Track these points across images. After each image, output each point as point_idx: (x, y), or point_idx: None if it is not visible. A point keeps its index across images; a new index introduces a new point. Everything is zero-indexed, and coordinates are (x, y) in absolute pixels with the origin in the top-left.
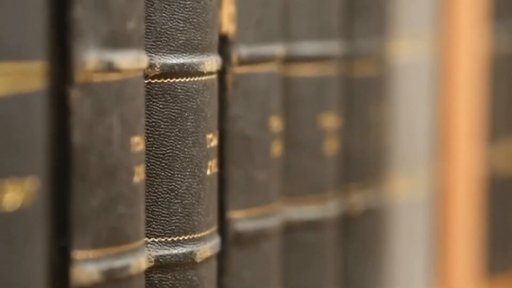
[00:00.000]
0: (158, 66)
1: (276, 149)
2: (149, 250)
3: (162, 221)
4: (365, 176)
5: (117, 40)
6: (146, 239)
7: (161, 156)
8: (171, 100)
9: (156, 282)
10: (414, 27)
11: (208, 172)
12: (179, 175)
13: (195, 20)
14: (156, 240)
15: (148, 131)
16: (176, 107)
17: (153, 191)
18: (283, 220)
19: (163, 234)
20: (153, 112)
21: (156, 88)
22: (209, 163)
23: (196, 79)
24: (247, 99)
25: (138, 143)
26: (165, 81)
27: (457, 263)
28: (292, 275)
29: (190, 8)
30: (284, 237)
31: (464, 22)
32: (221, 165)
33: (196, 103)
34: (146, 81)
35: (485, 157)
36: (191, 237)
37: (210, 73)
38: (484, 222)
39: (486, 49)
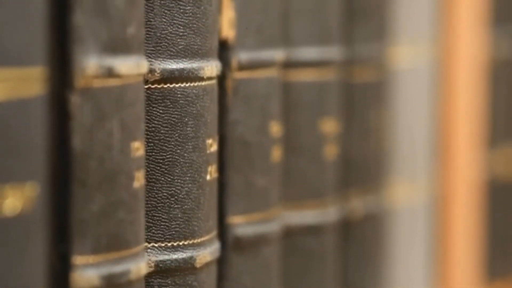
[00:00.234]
0: (158, 71)
1: (276, 154)
2: (149, 255)
3: (162, 226)
4: (365, 181)
5: (117, 46)
6: (146, 244)
7: (161, 161)
8: (171, 105)
9: (156, 287)
10: (414, 32)
11: (208, 177)
12: (179, 180)
13: (195, 25)
14: (156, 245)
15: (148, 136)
16: (176, 112)
17: (153, 196)
18: (283, 225)
19: (163, 239)
20: (153, 117)
21: (156, 93)
22: (209, 168)
23: (196, 84)
24: (247, 104)
25: (138, 148)
26: (165, 86)
27: (457, 268)
28: (292, 280)
29: (190, 14)
30: (284, 242)
31: (463, 27)
32: (221, 170)
33: (196, 108)
34: (146, 87)
35: (485, 162)
36: (191, 242)
37: (210, 78)
38: (484, 226)
39: (486, 54)
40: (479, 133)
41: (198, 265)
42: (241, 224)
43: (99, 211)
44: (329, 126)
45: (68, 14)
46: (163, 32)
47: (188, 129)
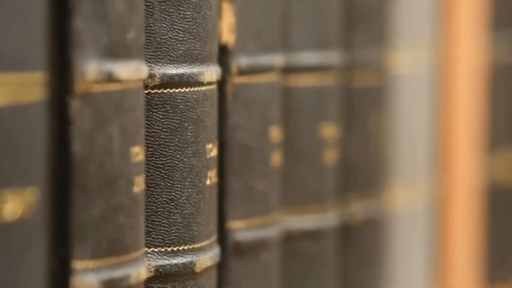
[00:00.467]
0: (158, 76)
1: (276, 158)
2: (149, 260)
3: (162, 231)
4: (364, 185)
5: (117, 51)
6: (146, 249)
7: (161, 166)
8: (171, 110)
9: None
10: (413, 37)
11: (208, 182)
12: (178, 185)
13: (195, 30)
14: (156, 250)
15: (148, 141)
16: (176, 117)
17: (153, 201)
18: (282, 229)
19: (162, 244)
20: (153, 122)
21: (156, 98)
22: (209, 173)
23: (195, 89)
24: (247, 109)
25: (138, 153)
26: (165, 91)
27: (457, 273)
28: (292, 284)
29: (190, 19)
30: (283, 247)
31: (463, 32)
32: (221, 175)
33: (196, 113)
34: (146, 91)
35: (485, 166)
36: (190, 247)
37: (209, 83)
38: (484, 231)
39: (486, 59)
40: (479, 137)
41: (198, 270)
42: (241, 229)
43: (99, 215)
44: (329, 130)
45: (68, 19)
46: (163, 37)
47: (188, 134)
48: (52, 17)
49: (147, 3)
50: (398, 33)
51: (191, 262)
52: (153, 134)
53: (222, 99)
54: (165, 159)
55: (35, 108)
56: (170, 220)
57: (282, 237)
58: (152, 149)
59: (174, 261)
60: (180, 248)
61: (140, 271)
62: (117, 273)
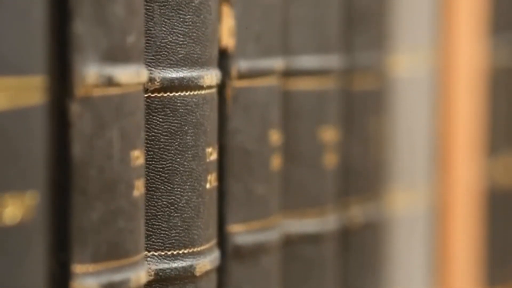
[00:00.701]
0: (158, 80)
1: (276, 162)
2: (148, 264)
3: (162, 235)
4: (364, 189)
5: (117, 55)
6: (146, 252)
7: (161, 170)
8: (171, 114)
9: None
10: (413, 40)
11: (208, 186)
12: (178, 189)
13: (194, 34)
14: (156, 253)
15: (148, 145)
16: (175, 121)
17: (152, 204)
18: (282, 233)
19: (162, 247)
20: (153, 126)
21: (155, 102)
22: (209, 177)
23: (195, 93)
24: (247, 112)
25: (138, 157)
26: (165, 95)
27: (456, 276)
28: None
29: (190, 23)
30: (283, 251)
31: (463, 35)
32: (221, 178)
33: (195, 117)
34: (146, 95)
35: (485, 170)
36: (190, 250)
37: (209, 87)
38: (484, 235)
39: (485, 62)
40: (478, 141)
41: (198, 274)
42: (241, 233)
43: (99, 219)
44: (329, 134)
45: (68, 23)
46: (163, 41)
47: (188, 137)
48: (52, 21)
49: (147, 7)
50: (398, 37)
51: (191, 266)
52: (153, 137)
53: (222, 103)
54: (165, 162)
55: (35, 112)
56: (170, 223)
57: (282, 240)
58: (152, 153)
59: (174, 264)
60: (180, 252)
61: (140, 275)
62: (117, 277)
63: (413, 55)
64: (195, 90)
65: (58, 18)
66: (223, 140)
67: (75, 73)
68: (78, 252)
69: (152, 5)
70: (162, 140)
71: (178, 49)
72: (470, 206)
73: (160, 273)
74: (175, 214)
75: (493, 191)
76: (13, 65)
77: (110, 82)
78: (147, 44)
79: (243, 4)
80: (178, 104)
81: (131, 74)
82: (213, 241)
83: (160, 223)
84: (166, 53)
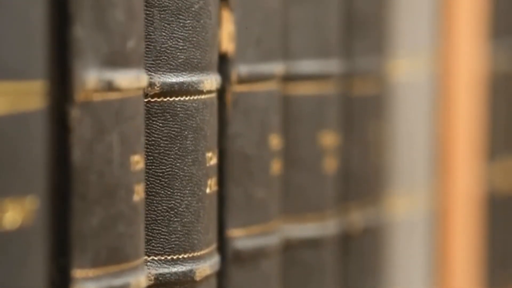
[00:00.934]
0: (158, 84)
1: (276, 167)
2: (148, 269)
3: (162, 240)
4: (364, 194)
5: (117, 59)
6: (146, 257)
7: (161, 174)
8: (171, 119)
9: None
10: (413, 45)
11: (208, 191)
12: (178, 194)
13: (194, 39)
14: (156, 258)
15: (148, 150)
16: (175, 126)
17: (152, 209)
18: (282, 238)
19: (162, 252)
20: (153, 131)
21: (155, 107)
22: (209, 182)
23: (195, 97)
24: (247, 117)
25: (138, 161)
26: (165, 99)
27: (456, 281)
28: None
29: (190, 27)
30: (283, 255)
31: (463, 40)
32: (221, 183)
33: (195, 122)
34: (145, 100)
35: (484, 175)
36: (190, 255)
37: (209, 91)
38: (483, 240)
39: (485, 67)
40: (478, 146)
41: (197, 278)
42: (241, 237)
43: (99, 224)
44: (329, 139)
45: (68, 27)
46: (163, 45)
47: (188, 142)
48: (52, 26)
49: (147, 12)
50: (398, 42)
51: (191, 271)
52: (153, 142)
53: (222, 107)
54: (165, 167)
55: (35, 117)
56: (170, 228)
57: (282, 245)
58: (152, 157)
59: (174, 269)
60: (180, 257)
61: (140, 280)
62: (117, 282)
63: (413, 60)
64: (195, 95)
65: (58, 23)
66: (223, 145)
67: (75, 77)
68: (78, 257)
69: (152, 10)
70: (162, 144)
71: (178, 54)
72: (469, 210)
73: (160, 278)
74: (175, 219)
75: (493, 195)
76: (13, 70)
77: (110, 86)
78: (147, 49)
79: (243, 9)
80: (178, 108)
81: (131, 79)
82: (213, 246)
83: (160, 228)
84: (166, 58)
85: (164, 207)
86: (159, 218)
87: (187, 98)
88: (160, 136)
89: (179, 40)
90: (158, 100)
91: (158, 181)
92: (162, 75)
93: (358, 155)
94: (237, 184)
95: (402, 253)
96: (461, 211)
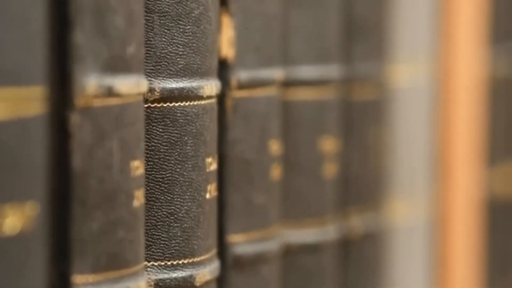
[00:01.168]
0: (158, 90)
1: (276, 172)
2: (148, 274)
3: (162, 245)
4: (364, 199)
5: (117, 65)
6: (146, 263)
7: (161, 180)
8: (171, 124)
9: None
10: (412, 50)
11: (208, 196)
12: (178, 199)
13: (194, 44)
14: (156, 264)
15: (148, 155)
16: (175, 131)
17: (152, 215)
18: (282, 243)
19: (162, 258)
20: (153, 136)
21: (155, 112)
22: (209, 187)
23: (195, 103)
24: (247, 123)
25: (137, 167)
26: (165, 105)
27: (457, 286)
28: None
29: (190, 33)
30: (283, 261)
31: (462, 45)
32: (221, 188)
33: (195, 127)
34: (145, 105)
35: (484, 180)
36: (190, 261)
37: (209, 97)
38: (484, 245)
39: (485, 72)
40: (478, 151)
41: (197, 284)
42: (241, 243)
43: (99, 230)
44: (329, 144)
45: (68, 33)
46: (163, 51)
47: (188, 148)
48: (52, 31)
49: (147, 18)
50: (397, 47)
51: (190, 276)
52: (152, 148)
53: (222, 113)
54: (164, 173)
55: (35, 122)
56: (170, 234)
57: (282, 250)
58: (152, 163)
59: (174, 275)
60: (180, 262)
61: (140, 285)
62: (117, 287)
63: (412, 65)
64: (195, 100)
65: (58, 29)
66: (223, 150)
67: (75, 83)
68: (78, 263)
69: (152, 15)
70: (162, 150)
71: (178, 59)
72: (469, 215)
73: (160, 283)
74: (175, 224)
75: (493, 201)
76: (13, 76)
77: (110, 92)
78: (147, 55)
79: (243, 14)
80: (178, 114)
81: (131, 85)
82: (213, 251)
83: (160, 233)
84: (166, 63)
85: (164, 213)
86: (159, 223)
87: (187, 104)
88: (160, 141)
89: (179, 45)
90: (158, 105)
91: (158, 186)
92: (162, 80)
93: (358, 160)
94: (237, 190)
95: (402, 258)
96: (461, 216)
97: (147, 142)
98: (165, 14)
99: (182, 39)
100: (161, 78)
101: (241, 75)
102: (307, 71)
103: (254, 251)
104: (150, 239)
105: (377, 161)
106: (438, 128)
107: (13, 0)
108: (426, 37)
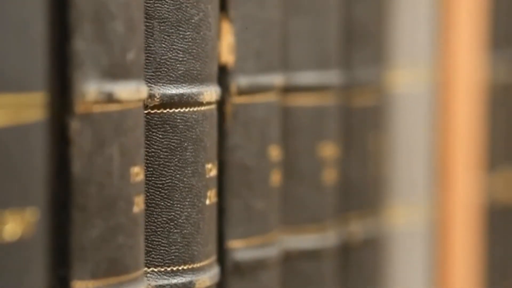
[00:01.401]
0: (158, 96)
1: (275, 178)
2: (148, 280)
3: (162, 251)
4: (364, 205)
5: (117, 71)
6: (146, 269)
7: (161, 186)
8: (171, 130)
9: None
10: (412, 56)
11: (207, 202)
12: (178, 205)
13: (194, 50)
14: (156, 270)
15: (148, 161)
16: (175, 137)
17: (152, 221)
18: (282, 249)
19: (162, 264)
20: (153, 142)
21: (155, 119)
22: (208, 193)
23: (195, 109)
24: (246, 128)
25: (137, 173)
26: (165, 111)
27: None
28: None
29: (190, 39)
30: (283, 267)
31: (462, 51)
32: (221, 194)
33: (195, 133)
34: (145, 112)
35: (484, 185)
36: (190, 267)
37: (209, 103)
38: (483, 250)
39: (484, 78)
40: (478, 157)
41: None
42: (241, 249)
43: (99, 236)
44: (328, 150)
45: (68, 39)
46: (162, 57)
47: (188, 154)
48: (52, 38)
49: (147, 24)
50: (397, 53)
51: (190, 282)
52: (152, 154)
53: (222, 119)
54: (164, 179)
55: (35, 129)
56: (170, 240)
57: (282, 256)
58: (151, 169)
59: (174, 280)
60: (180, 268)
61: None
62: None
63: (412, 71)
64: (194, 107)
65: (58, 35)
66: (222, 156)
67: (75, 89)
68: (78, 269)
69: (152, 22)
70: (161, 156)
71: (178, 65)
72: (469, 221)
73: None
74: (175, 230)
75: (493, 206)
76: (13, 82)
77: (110, 98)
78: (147, 61)
79: (243, 20)
80: (178, 120)
81: (131, 91)
82: (213, 257)
83: (160, 239)
84: (166, 69)
85: (164, 219)
86: (159, 229)
87: (187, 110)
88: (160, 147)
89: (179, 51)
90: (158, 111)
91: (158, 192)
92: (162, 86)
93: (358, 166)
94: (237, 196)
95: (401, 264)
96: (461, 222)
97: (147, 148)
98: (165, 20)
99: (182, 45)
100: (161, 84)
101: (241, 81)
102: (306, 77)
103: (253, 257)
104: (150, 245)
105: (377, 166)
106: (438, 134)
107: (14, 7)
108: (425, 43)
